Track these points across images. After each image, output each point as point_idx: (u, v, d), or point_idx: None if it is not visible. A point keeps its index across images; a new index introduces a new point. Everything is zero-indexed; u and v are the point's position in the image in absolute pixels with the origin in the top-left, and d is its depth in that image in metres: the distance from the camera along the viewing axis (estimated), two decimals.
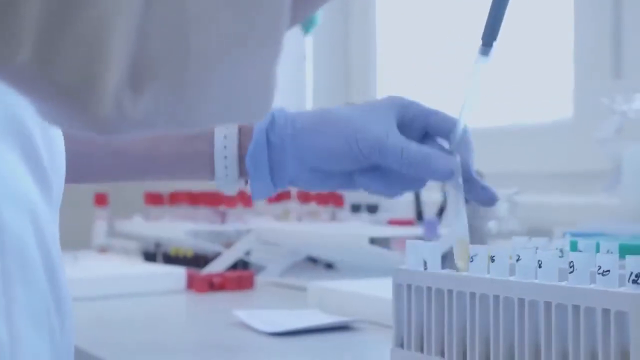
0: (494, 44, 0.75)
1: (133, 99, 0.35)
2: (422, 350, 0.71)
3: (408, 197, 1.52)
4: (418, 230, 1.29)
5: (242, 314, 0.96)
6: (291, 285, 1.26)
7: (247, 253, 1.43)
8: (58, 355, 0.60)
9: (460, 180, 0.75)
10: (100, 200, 1.67)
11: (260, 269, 1.40)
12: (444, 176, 0.74)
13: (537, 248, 0.73)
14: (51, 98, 0.34)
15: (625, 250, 0.72)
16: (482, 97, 0.77)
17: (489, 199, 0.77)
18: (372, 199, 1.60)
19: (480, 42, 0.74)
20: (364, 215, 1.58)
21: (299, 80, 1.89)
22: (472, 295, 0.67)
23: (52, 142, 0.62)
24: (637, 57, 1.51)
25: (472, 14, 1.81)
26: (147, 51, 0.35)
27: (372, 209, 1.60)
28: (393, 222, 1.46)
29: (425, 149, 0.74)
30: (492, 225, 1.35)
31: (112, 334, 0.95)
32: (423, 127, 0.77)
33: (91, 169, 0.78)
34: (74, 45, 0.33)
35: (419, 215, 1.46)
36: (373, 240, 1.42)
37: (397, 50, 2.05)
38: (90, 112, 0.34)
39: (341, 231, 1.27)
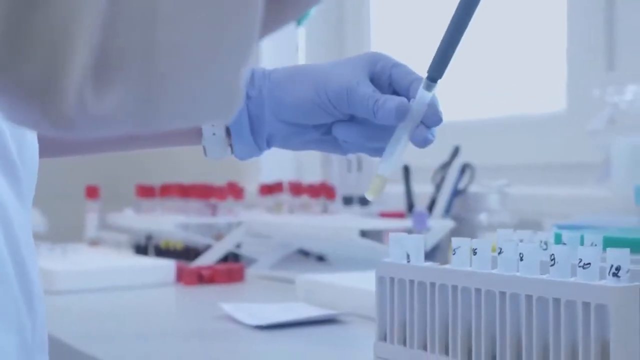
0: (439, 81, 0.73)
1: (97, 95, 0.35)
2: (405, 343, 0.71)
3: (399, 189, 1.52)
4: (408, 222, 1.28)
5: (228, 307, 0.96)
6: (281, 278, 1.26)
7: (238, 246, 1.43)
8: (30, 354, 0.59)
9: (410, 124, 0.73)
10: (92, 193, 1.67)
11: (251, 261, 1.39)
12: (392, 115, 0.72)
13: (521, 240, 0.73)
14: (14, 98, 0.34)
15: (609, 243, 0.72)
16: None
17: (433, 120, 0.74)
18: (363, 191, 1.59)
19: (426, 75, 0.73)
20: (356, 207, 1.57)
21: None
22: (454, 288, 0.67)
23: (22, 134, 0.61)
24: (630, 49, 1.50)
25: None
26: (111, 48, 0.34)
27: (364, 201, 1.59)
28: (384, 215, 1.46)
29: (385, 95, 0.73)
30: (482, 217, 1.35)
31: (96, 327, 0.95)
32: (388, 79, 0.75)
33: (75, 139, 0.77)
34: (36, 44, 0.33)
35: (410, 208, 1.46)
36: (364, 233, 1.42)
37: (392, 40, 2.04)
38: (53, 109, 0.34)
39: (331, 224, 1.27)
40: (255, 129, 0.77)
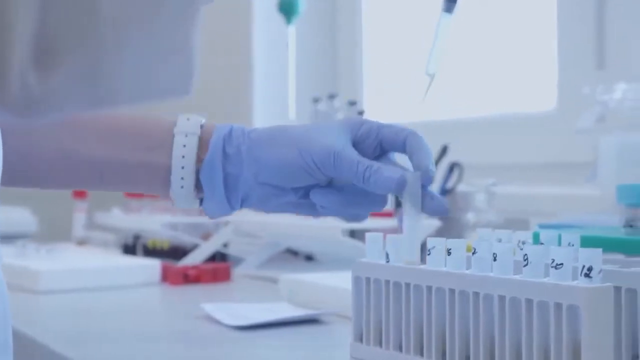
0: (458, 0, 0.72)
1: (40, 77, 0.34)
2: (380, 344, 0.70)
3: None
4: (395, 222, 1.27)
5: (209, 307, 0.95)
6: (267, 278, 1.25)
7: (225, 245, 1.42)
8: None
9: (418, 196, 0.71)
10: (79, 192, 1.66)
11: (239, 261, 1.39)
12: (391, 186, 0.71)
13: (499, 240, 0.73)
14: None
15: (586, 243, 0.71)
16: (446, 50, 0.73)
17: (437, 209, 0.72)
18: None
19: None
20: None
21: (282, 68, 1.88)
22: (429, 288, 0.66)
23: None
24: (620, 48, 1.50)
25: (460, 4, 1.79)
26: (51, 30, 0.34)
27: None
28: (374, 214, 1.45)
29: (377, 162, 0.72)
30: (470, 216, 1.34)
31: (73, 327, 0.95)
32: (377, 141, 0.74)
33: (38, 171, 0.75)
34: None
35: (398, 206, 1.45)
36: (353, 233, 1.41)
37: (384, 37, 2.03)
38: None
39: (316, 223, 1.26)
40: (230, 188, 0.75)
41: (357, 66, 2.07)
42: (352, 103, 1.64)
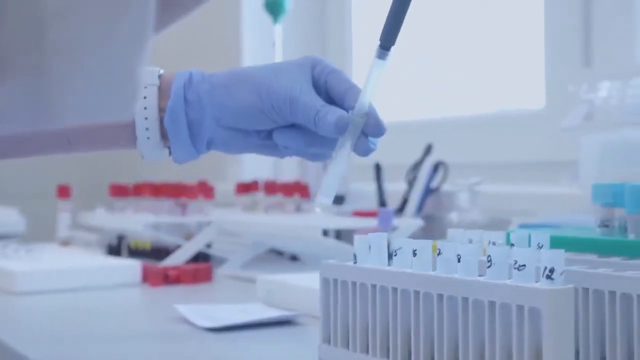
0: (392, 48, 0.73)
1: None
2: (348, 346, 0.69)
3: (372, 187, 1.50)
4: (375, 221, 1.26)
5: (183, 309, 0.94)
6: (248, 278, 1.24)
7: (209, 245, 1.41)
8: None
9: (349, 143, 0.72)
10: (63, 192, 1.65)
11: (222, 261, 1.38)
12: (331, 129, 0.72)
13: (470, 241, 0.72)
14: None
15: (557, 243, 0.70)
16: (377, 95, 0.74)
17: (364, 150, 0.74)
18: (338, 190, 1.58)
19: (378, 45, 0.73)
20: (331, 206, 1.55)
21: None
22: (394, 290, 0.65)
23: None
24: (606, 46, 1.49)
25: (449, 2, 1.78)
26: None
27: (339, 200, 1.57)
28: (357, 214, 1.44)
29: (327, 106, 0.73)
30: (453, 216, 1.33)
31: (44, 329, 0.94)
32: (324, 85, 0.75)
33: (3, 141, 0.75)
34: None
35: (382, 206, 1.44)
36: (339, 233, 1.40)
37: (374, 35, 2.02)
38: None
39: (296, 223, 1.25)
40: (194, 133, 0.76)
41: (347, 65, 2.05)
42: None
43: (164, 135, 0.76)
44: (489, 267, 0.59)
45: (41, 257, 1.30)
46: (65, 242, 1.61)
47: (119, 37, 0.39)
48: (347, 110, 0.73)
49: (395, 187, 1.49)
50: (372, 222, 1.30)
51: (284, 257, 1.49)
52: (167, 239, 1.43)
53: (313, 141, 0.75)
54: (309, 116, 0.72)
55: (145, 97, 0.75)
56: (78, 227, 1.67)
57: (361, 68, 2.03)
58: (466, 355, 0.59)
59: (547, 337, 0.54)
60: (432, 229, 1.34)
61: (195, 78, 0.76)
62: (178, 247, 1.39)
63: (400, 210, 1.42)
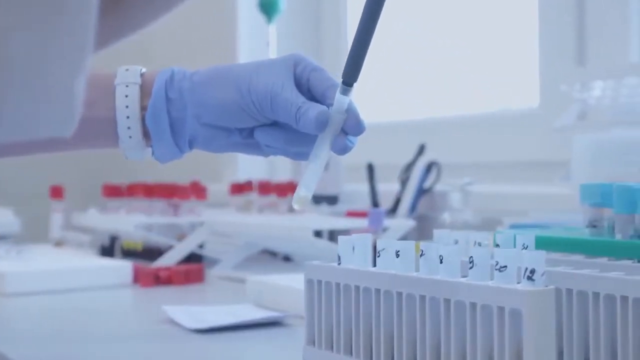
0: (354, 84, 0.73)
1: None
2: (332, 348, 0.69)
3: (366, 187, 1.50)
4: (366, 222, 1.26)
5: (170, 310, 0.94)
6: (239, 279, 1.24)
7: (201, 246, 1.41)
8: None
9: (329, 140, 0.72)
10: (56, 193, 1.64)
11: (215, 262, 1.37)
12: (312, 126, 0.71)
13: (456, 242, 0.71)
14: None
15: (541, 243, 0.70)
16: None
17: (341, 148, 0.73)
18: (331, 190, 1.58)
19: (341, 81, 0.73)
20: (324, 206, 1.55)
21: None
22: (377, 291, 0.64)
23: None
24: (600, 46, 1.48)
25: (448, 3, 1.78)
26: None
27: (332, 200, 1.57)
28: (350, 214, 1.44)
29: (307, 102, 0.72)
30: (445, 216, 1.33)
31: (27, 330, 0.93)
32: (306, 83, 0.75)
33: None
34: None
35: (375, 207, 1.44)
36: (332, 233, 1.39)
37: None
38: None
39: (286, 223, 1.24)
40: (176, 132, 0.75)
41: (342, 65, 2.05)
42: None
43: (146, 134, 0.75)
44: (471, 268, 0.58)
45: (32, 258, 1.30)
46: (59, 243, 1.61)
47: (55, 53, 0.38)
48: (328, 107, 0.73)
49: (388, 188, 1.48)
50: (365, 222, 1.30)
51: (277, 258, 1.48)
52: (159, 239, 1.43)
53: (294, 139, 0.74)
54: (290, 112, 0.72)
55: (127, 96, 0.74)
56: (71, 227, 1.67)
57: None
58: (448, 356, 0.59)
59: (528, 338, 0.54)
60: (425, 229, 1.34)
61: (177, 76, 0.75)
62: (170, 247, 1.39)
63: (393, 210, 1.42)
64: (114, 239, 1.53)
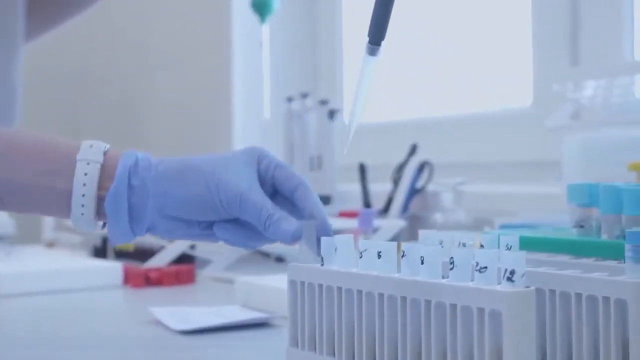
0: (383, 43, 0.72)
1: None
2: (315, 349, 0.68)
3: (358, 187, 1.49)
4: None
5: (157, 311, 0.93)
6: (232, 280, 1.23)
7: (192, 247, 1.40)
8: None
9: (314, 242, 0.71)
10: None
11: (206, 262, 1.37)
12: (287, 239, 0.72)
13: (440, 242, 0.71)
14: None
15: (525, 244, 0.70)
16: (371, 95, 0.74)
17: None
18: (324, 191, 1.57)
19: (367, 41, 0.72)
20: None
21: (257, 66, 1.87)
22: (359, 292, 0.64)
23: None
24: (594, 45, 1.48)
25: (440, 2, 1.78)
26: None
27: (326, 200, 1.57)
28: (343, 214, 1.43)
29: (278, 211, 0.72)
30: (437, 216, 1.32)
31: (11, 331, 0.93)
32: (272, 181, 0.75)
33: None
34: None
35: (367, 207, 1.43)
36: None
37: (364, 35, 2.01)
38: None
39: None
40: (134, 218, 0.74)
41: (338, 65, 2.04)
42: (324, 102, 1.62)
43: (99, 212, 0.74)
44: (451, 269, 0.58)
45: (23, 259, 1.29)
46: (51, 244, 1.60)
47: None
48: (299, 209, 0.73)
49: (380, 188, 1.48)
50: (349, 222, 1.29)
51: (269, 259, 1.48)
52: (150, 240, 1.42)
53: (253, 236, 0.74)
54: (260, 218, 0.72)
55: (86, 174, 0.73)
56: (63, 228, 1.66)
57: (352, 68, 2.02)
58: (429, 357, 0.58)
59: (508, 339, 0.53)
60: (417, 229, 1.33)
61: (142, 163, 0.74)
62: (162, 248, 1.38)
63: (386, 210, 1.41)
64: (105, 240, 1.53)
